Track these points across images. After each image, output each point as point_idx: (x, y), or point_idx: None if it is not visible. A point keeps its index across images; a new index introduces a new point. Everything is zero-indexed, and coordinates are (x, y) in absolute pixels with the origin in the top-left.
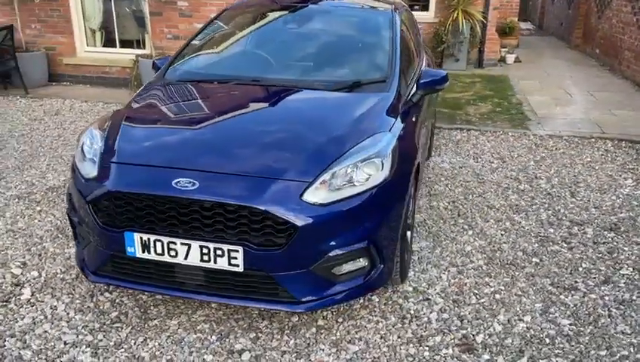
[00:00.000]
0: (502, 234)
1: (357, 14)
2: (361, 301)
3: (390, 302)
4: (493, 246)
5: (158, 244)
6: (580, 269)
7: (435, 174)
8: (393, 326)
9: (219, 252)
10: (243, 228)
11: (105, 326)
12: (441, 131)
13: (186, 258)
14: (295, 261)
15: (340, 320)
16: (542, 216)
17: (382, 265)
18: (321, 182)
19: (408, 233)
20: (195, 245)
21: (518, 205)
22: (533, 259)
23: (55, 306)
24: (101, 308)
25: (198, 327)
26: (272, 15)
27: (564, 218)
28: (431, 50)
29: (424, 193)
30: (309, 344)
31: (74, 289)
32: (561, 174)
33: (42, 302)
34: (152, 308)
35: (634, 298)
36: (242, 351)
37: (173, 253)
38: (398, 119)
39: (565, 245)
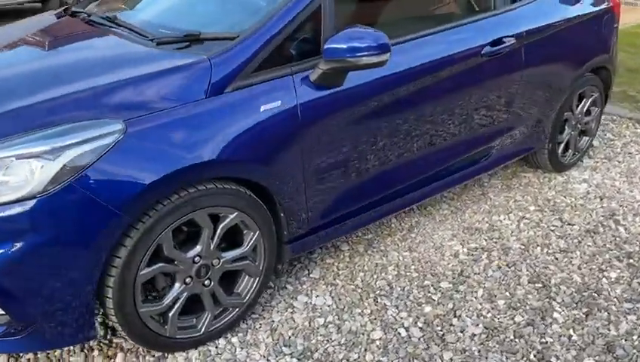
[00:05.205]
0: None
1: None
2: None
3: None
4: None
5: None
6: None
7: (545, 199)
8: None
9: None
10: None
11: None
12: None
13: None
14: None
15: None
16: (619, 329)
17: (36, 324)
18: None
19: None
20: None
21: (598, 290)
22: None
23: None
24: None
25: None
26: None
27: None
28: None
29: (467, 226)
30: None
31: None
32: None
33: None
34: None
35: None
36: None
37: None
38: (200, 107)
39: None
